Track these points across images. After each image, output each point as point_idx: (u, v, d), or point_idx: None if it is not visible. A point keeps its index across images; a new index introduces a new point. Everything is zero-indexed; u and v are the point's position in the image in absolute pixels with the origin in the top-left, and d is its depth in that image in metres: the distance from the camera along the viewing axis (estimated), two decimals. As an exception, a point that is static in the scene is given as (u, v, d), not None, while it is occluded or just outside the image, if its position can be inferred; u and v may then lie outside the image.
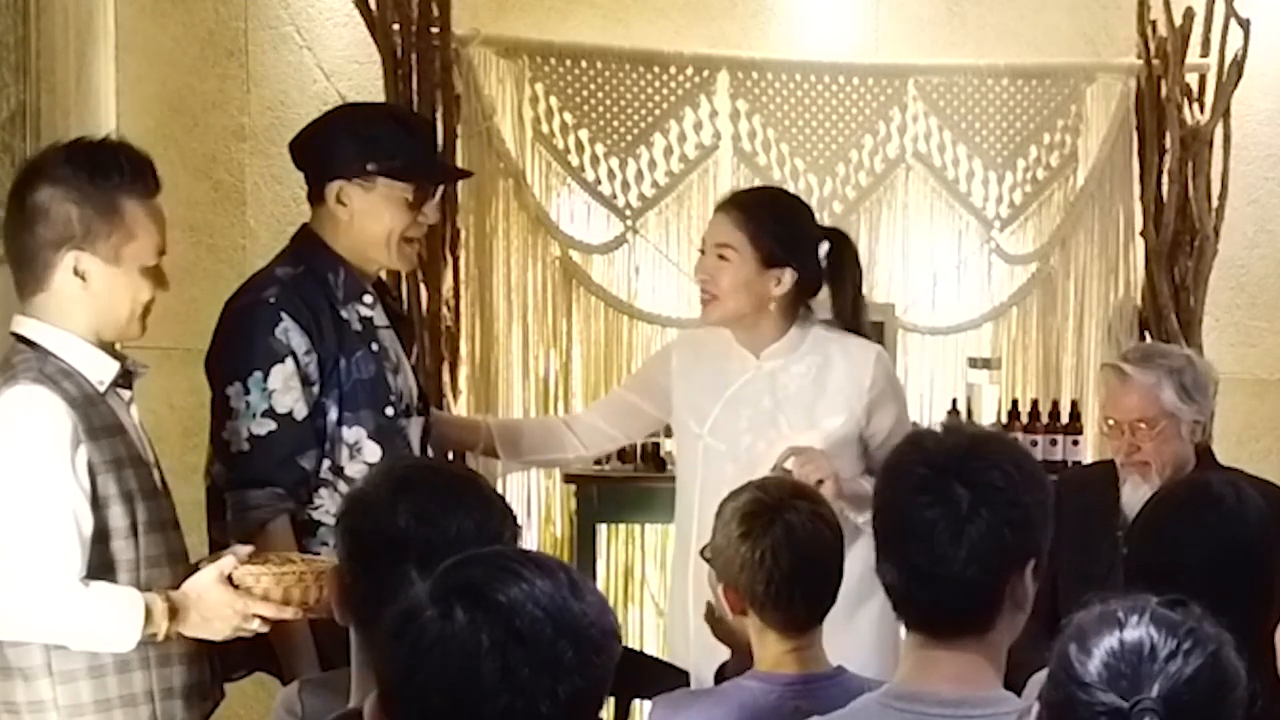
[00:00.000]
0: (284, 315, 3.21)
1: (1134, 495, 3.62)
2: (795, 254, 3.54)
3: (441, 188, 3.52)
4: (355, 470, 3.25)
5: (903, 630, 3.29)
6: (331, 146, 3.34)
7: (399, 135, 3.36)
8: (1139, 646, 1.65)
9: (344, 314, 3.31)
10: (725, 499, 2.72)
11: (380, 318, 3.38)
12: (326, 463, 3.26)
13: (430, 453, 3.49)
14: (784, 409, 3.54)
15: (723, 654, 2.87)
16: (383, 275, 3.59)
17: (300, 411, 3.22)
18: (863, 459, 3.55)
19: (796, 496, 2.68)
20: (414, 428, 3.40)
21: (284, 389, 3.20)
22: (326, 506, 3.24)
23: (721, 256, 3.53)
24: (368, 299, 3.35)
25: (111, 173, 2.76)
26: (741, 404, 3.56)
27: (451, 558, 1.71)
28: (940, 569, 2.09)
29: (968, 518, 2.08)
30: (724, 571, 2.65)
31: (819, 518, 2.63)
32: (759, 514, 2.63)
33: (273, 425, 3.20)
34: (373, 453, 3.27)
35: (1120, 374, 3.71)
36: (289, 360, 3.21)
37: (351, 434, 3.27)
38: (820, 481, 3.26)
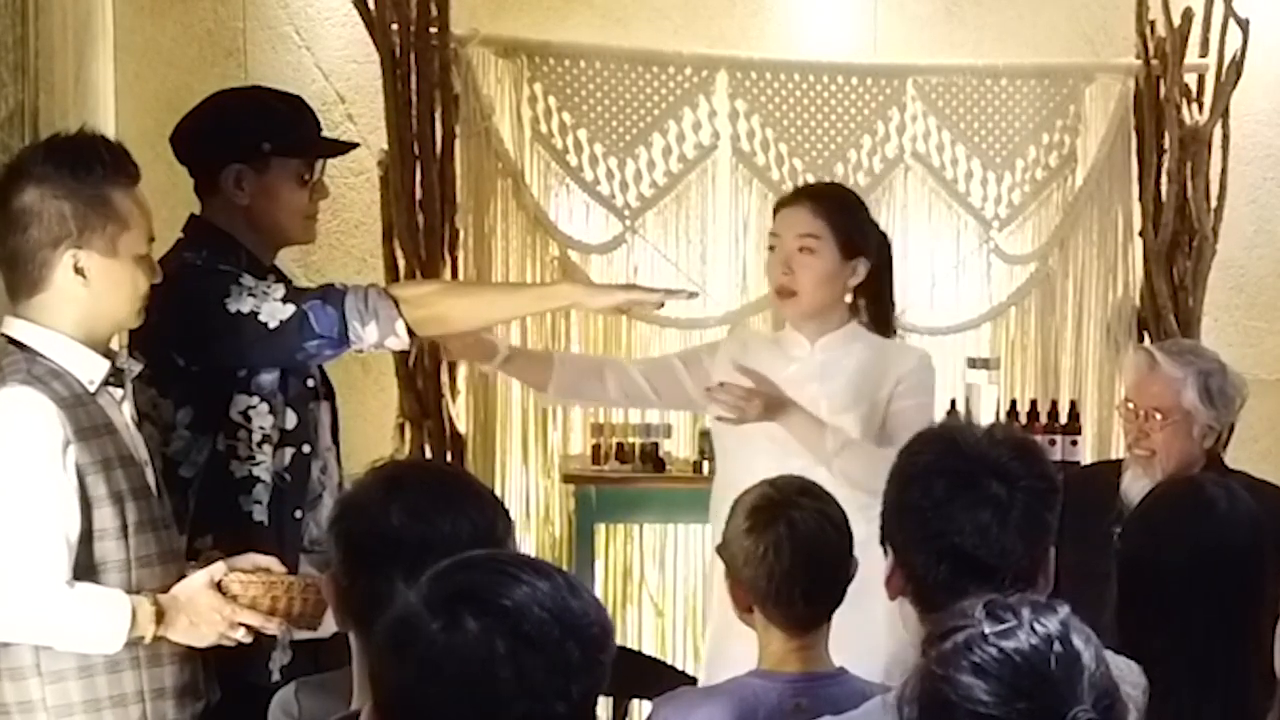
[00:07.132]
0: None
1: (1134, 486, 3.63)
2: (868, 244, 3.53)
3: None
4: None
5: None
6: (225, 132, 3.29)
7: (290, 113, 3.35)
8: (1018, 658, 1.58)
9: None
10: (739, 495, 2.73)
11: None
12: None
13: (339, 440, 3.44)
14: (827, 393, 3.51)
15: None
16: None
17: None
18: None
19: (803, 494, 2.68)
20: (323, 412, 3.36)
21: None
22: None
23: (805, 249, 3.47)
24: (271, 279, 3.29)
25: (94, 165, 2.73)
26: (788, 389, 3.51)
27: (445, 558, 1.70)
28: (998, 560, 2.10)
29: (1009, 506, 2.10)
30: (731, 566, 2.67)
31: (824, 516, 2.64)
32: (765, 509, 2.65)
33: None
34: (263, 413, 3.18)
35: (1150, 361, 3.72)
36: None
37: (269, 380, 3.19)
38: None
